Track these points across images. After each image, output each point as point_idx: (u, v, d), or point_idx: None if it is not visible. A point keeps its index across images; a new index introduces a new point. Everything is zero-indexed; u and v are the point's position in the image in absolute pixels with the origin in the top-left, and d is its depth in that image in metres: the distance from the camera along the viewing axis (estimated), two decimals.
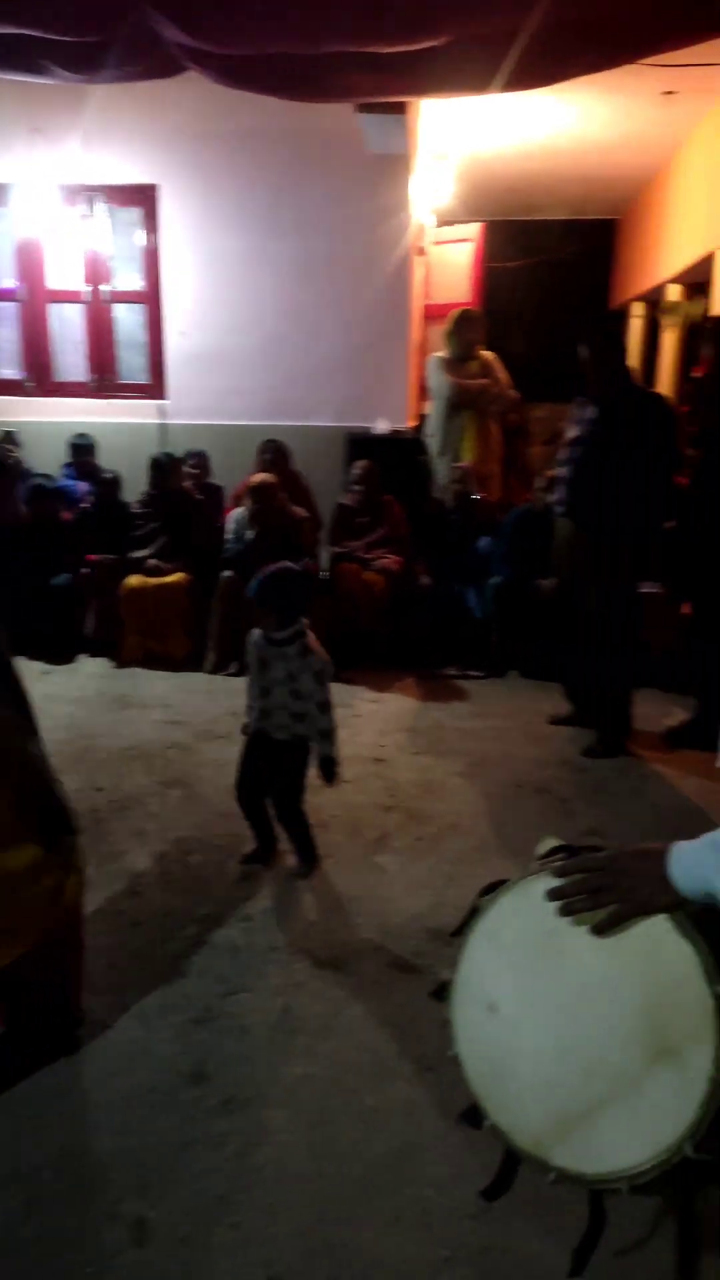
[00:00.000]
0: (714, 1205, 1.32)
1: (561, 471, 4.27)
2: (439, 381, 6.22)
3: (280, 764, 3.19)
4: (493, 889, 1.34)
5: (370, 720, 4.70)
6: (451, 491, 5.88)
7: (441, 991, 1.34)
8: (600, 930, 1.19)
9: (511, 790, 3.91)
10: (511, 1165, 1.31)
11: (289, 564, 3.17)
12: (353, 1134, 2.13)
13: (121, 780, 3.95)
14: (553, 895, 1.23)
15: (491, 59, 3.89)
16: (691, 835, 1.22)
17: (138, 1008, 2.54)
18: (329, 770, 3.17)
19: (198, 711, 4.77)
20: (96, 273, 7.02)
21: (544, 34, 3.74)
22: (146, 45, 4.01)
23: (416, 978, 2.68)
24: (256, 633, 3.17)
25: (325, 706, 3.10)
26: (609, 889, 1.19)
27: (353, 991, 2.62)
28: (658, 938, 1.17)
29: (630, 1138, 1.16)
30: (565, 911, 1.21)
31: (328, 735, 3.13)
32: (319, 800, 3.64)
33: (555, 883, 1.23)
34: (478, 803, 3.80)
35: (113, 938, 2.85)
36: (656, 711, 4.64)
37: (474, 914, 1.33)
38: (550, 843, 1.35)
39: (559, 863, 1.26)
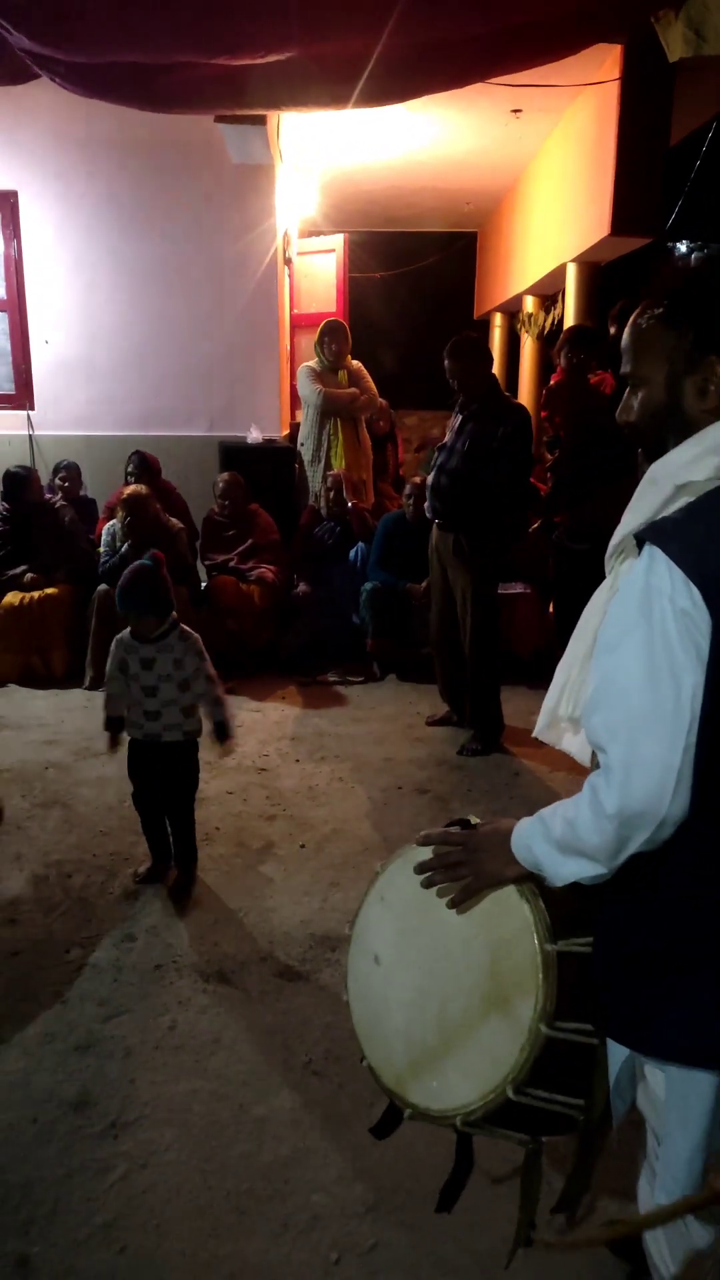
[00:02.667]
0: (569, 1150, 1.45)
1: (429, 477, 4.38)
2: (309, 390, 6.28)
3: (176, 768, 3.16)
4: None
5: (252, 729, 4.70)
6: (325, 499, 5.95)
7: None
8: (455, 904, 1.30)
9: (392, 792, 3.99)
10: (395, 1110, 1.43)
11: (141, 563, 3.09)
12: (241, 1146, 2.13)
13: None
14: (417, 869, 1.34)
15: (344, 75, 3.96)
16: None
17: (18, 1039, 2.47)
18: (223, 733, 3.14)
19: (76, 729, 4.67)
20: None
21: (395, 53, 3.85)
22: None
23: (302, 984, 2.70)
24: (126, 636, 3.10)
25: (212, 679, 3.11)
26: (464, 864, 1.30)
27: (239, 1004, 2.62)
28: (503, 902, 1.29)
29: (466, 1079, 1.28)
30: (426, 884, 1.32)
31: (219, 702, 3.12)
32: (203, 813, 3.63)
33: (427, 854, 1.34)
34: (360, 806, 3.86)
35: None
36: (527, 708, 4.81)
37: (374, 876, 1.50)
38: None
39: (429, 836, 1.37)
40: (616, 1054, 1.27)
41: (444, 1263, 1.85)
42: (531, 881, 1.27)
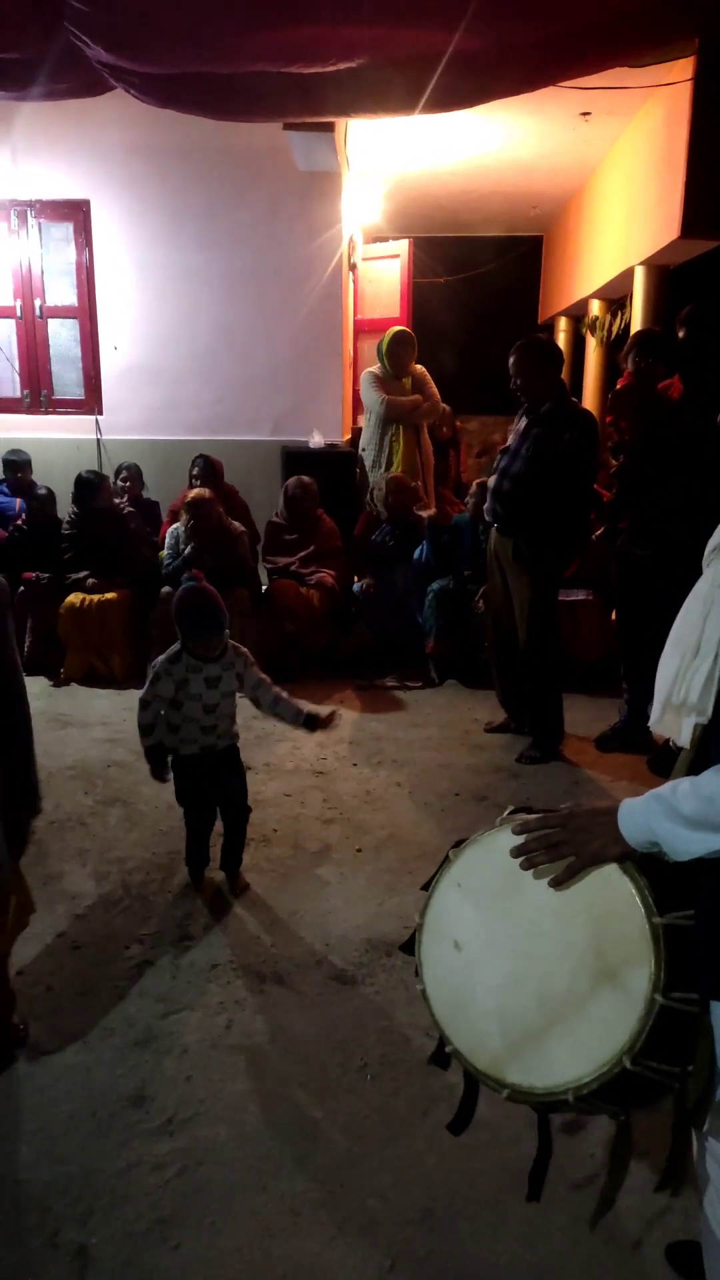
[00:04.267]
0: (658, 1123, 1.41)
1: (490, 480, 4.36)
2: (372, 397, 6.29)
3: (233, 770, 3.23)
4: (461, 843, 1.48)
5: (310, 733, 4.71)
6: (384, 503, 5.95)
7: (410, 945, 1.52)
8: (559, 883, 1.32)
9: (450, 799, 3.96)
10: (471, 1100, 1.45)
11: (189, 586, 3.08)
12: (296, 1148, 2.14)
13: (61, 801, 3.91)
14: (515, 852, 1.34)
15: (413, 81, 3.97)
16: None
17: (78, 1032, 2.52)
18: (313, 722, 3.21)
19: (137, 728, 4.73)
20: (29, 288, 6.96)
21: (464, 57, 3.84)
22: (72, 63, 4.01)
23: (358, 988, 2.70)
24: (182, 658, 3.07)
25: (269, 683, 3.18)
26: (566, 843, 1.31)
27: (295, 1006, 2.63)
28: (605, 877, 1.30)
29: (576, 1053, 1.28)
30: (526, 866, 1.33)
31: (289, 702, 3.20)
32: (261, 815, 3.66)
33: (517, 838, 1.35)
34: (417, 812, 3.84)
35: (53, 961, 2.82)
36: (588, 716, 4.75)
37: (443, 864, 1.48)
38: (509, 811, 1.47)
39: (521, 819, 1.38)
40: None
41: (498, 1273, 1.83)
42: (630, 860, 1.30)
